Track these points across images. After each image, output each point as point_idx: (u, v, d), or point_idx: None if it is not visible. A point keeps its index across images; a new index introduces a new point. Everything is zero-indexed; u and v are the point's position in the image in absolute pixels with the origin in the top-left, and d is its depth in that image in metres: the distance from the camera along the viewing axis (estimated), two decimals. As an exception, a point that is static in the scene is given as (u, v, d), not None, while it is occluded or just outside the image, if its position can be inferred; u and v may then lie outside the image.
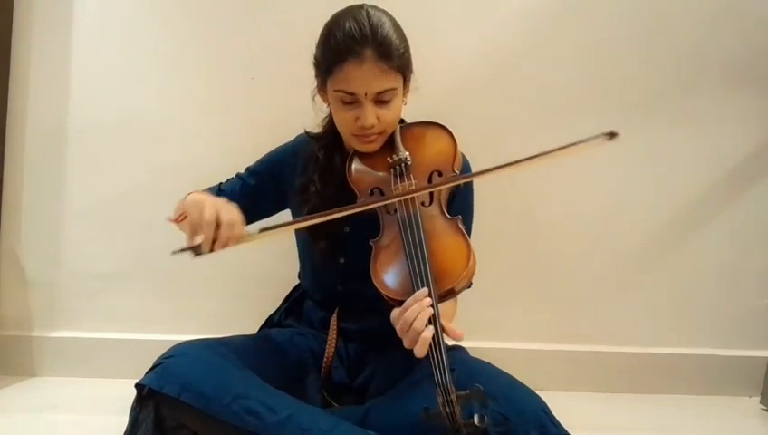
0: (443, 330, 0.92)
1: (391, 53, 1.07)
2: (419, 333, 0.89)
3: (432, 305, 0.93)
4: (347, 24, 1.07)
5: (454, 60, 1.70)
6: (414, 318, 0.90)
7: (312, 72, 1.17)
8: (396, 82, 1.09)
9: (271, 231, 1.02)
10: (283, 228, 1.05)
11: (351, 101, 1.09)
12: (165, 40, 1.68)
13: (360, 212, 1.04)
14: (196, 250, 0.98)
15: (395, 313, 0.95)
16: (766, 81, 1.77)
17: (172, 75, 1.70)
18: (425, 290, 0.94)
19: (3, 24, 1.65)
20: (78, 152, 1.71)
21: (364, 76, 1.06)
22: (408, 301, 0.94)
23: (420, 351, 0.89)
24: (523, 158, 1.00)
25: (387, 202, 1.08)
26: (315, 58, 1.14)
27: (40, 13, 1.67)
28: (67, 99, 1.69)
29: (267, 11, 1.68)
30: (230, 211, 1.00)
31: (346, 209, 1.03)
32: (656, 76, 1.75)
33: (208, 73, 1.70)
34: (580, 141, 0.97)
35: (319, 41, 1.13)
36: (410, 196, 1.06)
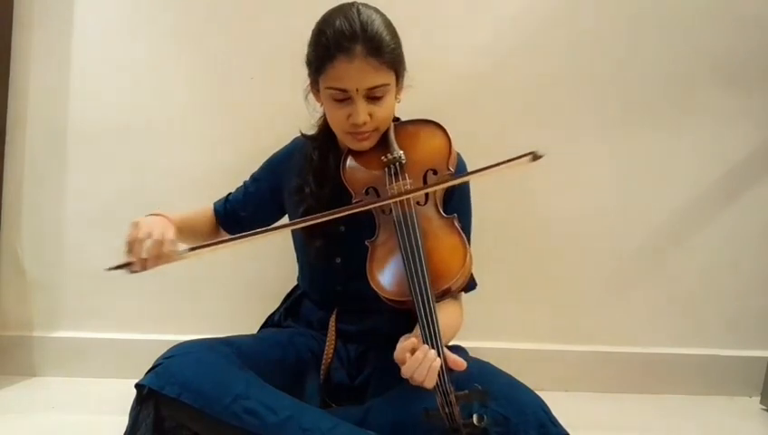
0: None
1: (382, 49, 1.06)
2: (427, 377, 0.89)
3: (436, 338, 0.92)
4: (337, 22, 1.06)
5: (452, 59, 1.70)
6: (423, 379, 0.89)
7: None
8: (387, 78, 1.09)
9: (200, 250, 1.03)
10: (212, 247, 1.05)
11: (343, 98, 1.08)
12: (164, 40, 1.68)
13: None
14: (129, 267, 1.00)
15: (399, 353, 0.92)
16: (766, 80, 1.77)
17: (172, 76, 1.69)
18: (433, 352, 0.91)
19: (3, 24, 1.65)
20: (78, 152, 1.71)
21: (354, 72, 1.05)
22: (418, 354, 0.90)
23: (429, 383, 0.89)
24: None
25: (382, 203, 1.08)
26: (307, 57, 1.14)
27: (40, 13, 1.67)
28: (67, 99, 1.69)
29: (267, 11, 1.68)
30: (163, 231, 1.02)
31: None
32: (655, 76, 1.75)
33: (208, 74, 1.70)
34: (507, 160, 0.98)
35: (310, 39, 1.12)
36: (406, 197, 1.05)
